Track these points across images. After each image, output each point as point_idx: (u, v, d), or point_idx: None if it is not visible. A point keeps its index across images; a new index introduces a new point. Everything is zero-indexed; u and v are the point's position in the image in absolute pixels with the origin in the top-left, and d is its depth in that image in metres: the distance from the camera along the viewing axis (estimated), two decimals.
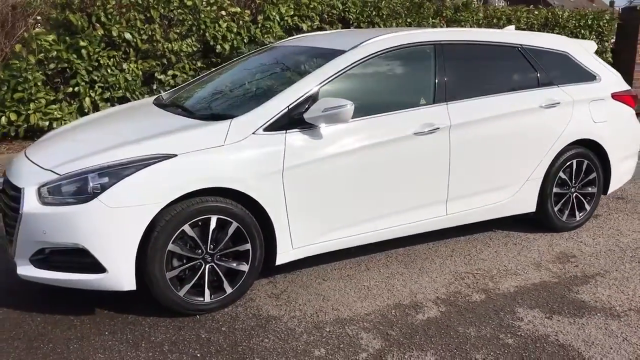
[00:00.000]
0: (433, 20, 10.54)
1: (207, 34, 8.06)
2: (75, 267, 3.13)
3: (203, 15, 8.01)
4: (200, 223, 3.22)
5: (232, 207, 3.28)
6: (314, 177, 3.51)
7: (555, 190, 4.57)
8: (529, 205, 4.50)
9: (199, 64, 8.23)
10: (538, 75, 4.50)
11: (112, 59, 7.48)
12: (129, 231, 3.05)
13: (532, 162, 4.39)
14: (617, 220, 5.07)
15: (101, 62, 7.38)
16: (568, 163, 4.57)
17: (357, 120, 3.62)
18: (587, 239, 4.59)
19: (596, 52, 5.38)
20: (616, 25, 13.33)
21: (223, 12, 8.20)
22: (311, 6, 8.96)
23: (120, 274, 3.09)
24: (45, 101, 7.24)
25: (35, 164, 3.36)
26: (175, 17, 7.86)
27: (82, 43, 7.19)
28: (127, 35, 7.47)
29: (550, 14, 12.33)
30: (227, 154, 3.28)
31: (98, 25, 7.32)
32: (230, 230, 3.30)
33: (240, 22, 8.37)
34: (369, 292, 3.63)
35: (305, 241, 3.59)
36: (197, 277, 3.26)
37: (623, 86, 4.98)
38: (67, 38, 7.24)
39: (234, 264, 3.37)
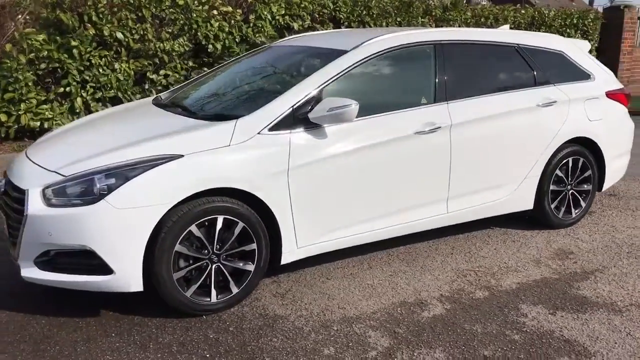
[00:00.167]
0: (422, 20, 10.62)
1: (199, 34, 8.04)
2: (82, 268, 3.11)
3: (195, 15, 7.99)
4: (206, 223, 3.22)
5: (239, 207, 3.28)
6: (319, 177, 3.52)
7: (552, 187, 4.63)
8: (526, 202, 4.56)
9: (190, 63, 8.20)
10: (535, 74, 4.55)
11: (103, 59, 7.43)
12: (136, 232, 3.04)
13: (530, 160, 4.45)
14: (611, 216, 5.15)
15: (93, 61, 7.32)
16: (564, 161, 4.64)
17: (360, 120, 3.64)
18: (583, 235, 4.66)
19: None
20: (600, 24, 13.52)
21: (215, 12, 8.19)
22: (302, 5, 8.97)
23: (128, 276, 3.08)
24: (36, 101, 7.18)
25: (39, 165, 3.34)
26: (167, 17, 7.83)
27: (73, 43, 7.14)
28: (119, 35, 7.42)
29: (536, 13, 12.48)
30: (234, 154, 3.28)
31: (89, 24, 7.26)
32: (237, 230, 3.30)
33: (232, 21, 8.36)
34: (374, 290, 3.66)
35: (310, 240, 3.60)
36: (203, 277, 3.26)
37: (616, 85, 5.06)
38: (57, 37, 7.18)
39: (240, 264, 3.37)
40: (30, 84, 7.11)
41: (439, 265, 4.04)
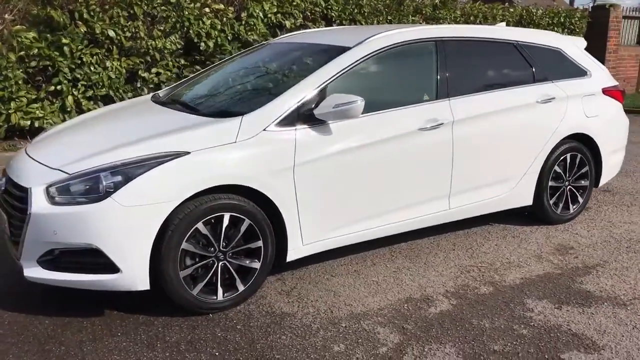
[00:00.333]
0: (412, 18, 10.63)
1: (191, 31, 7.97)
2: (87, 267, 3.07)
3: (187, 12, 7.91)
4: (213, 221, 3.19)
5: (245, 205, 3.25)
6: (324, 173, 3.51)
7: (550, 183, 4.67)
8: (526, 198, 4.59)
9: (182, 61, 8.13)
10: (533, 71, 4.58)
11: (95, 57, 7.32)
12: (143, 230, 3.00)
13: (530, 156, 4.48)
14: (607, 212, 5.20)
15: (84, 59, 7.21)
16: (562, 157, 4.67)
17: (364, 116, 3.63)
18: (581, 230, 4.69)
19: None
20: (586, 23, 13.65)
21: (207, 9, 8.12)
22: (294, 3, 8.93)
23: (135, 274, 3.04)
24: (26, 100, 7.04)
25: (41, 163, 3.28)
26: (158, 14, 7.74)
27: (64, 40, 7.02)
28: (111, 33, 7.32)
29: (524, 11, 12.55)
30: (240, 151, 3.25)
31: (80, 22, 7.16)
32: (243, 228, 3.28)
33: (224, 19, 8.29)
34: (379, 287, 3.65)
35: (315, 237, 3.59)
36: (210, 275, 3.23)
37: (612, 81, 5.11)
38: (48, 35, 7.07)
39: (247, 262, 3.34)
40: (20, 82, 6.98)
41: (441, 261, 4.05)
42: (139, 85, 7.78)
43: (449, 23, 11.11)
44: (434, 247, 4.30)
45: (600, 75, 5.00)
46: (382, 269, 3.91)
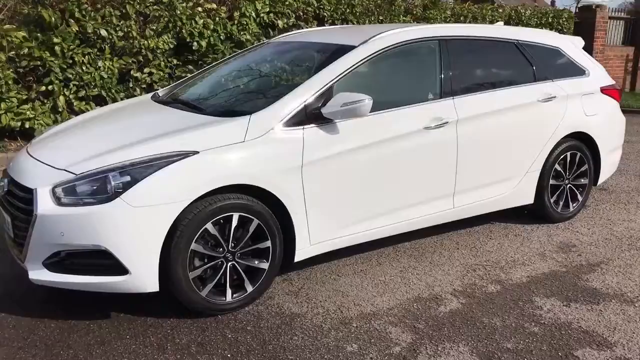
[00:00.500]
0: (403, 18, 10.65)
1: (183, 31, 7.90)
2: (95, 269, 3.01)
3: (179, 12, 7.84)
4: (221, 221, 3.15)
5: (254, 204, 3.22)
6: (331, 172, 3.49)
7: (551, 182, 4.69)
8: (528, 197, 4.60)
9: (175, 61, 8.05)
10: (534, 69, 4.60)
11: (87, 56, 7.22)
12: (153, 231, 2.95)
13: (532, 154, 4.49)
14: (605, 210, 5.24)
15: (76, 59, 7.11)
16: (563, 155, 4.70)
17: (370, 115, 3.61)
18: (582, 229, 4.72)
19: None
20: (573, 24, 13.78)
21: (199, 8, 8.05)
22: (287, 3, 8.90)
23: (144, 276, 2.99)
24: (17, 100, 6.93)
25: (45, 164, 3.22)
26: (151, 13, 7.66)
27: (55, 40, 6.92)
28: (103, 32, 7.23)
29: (513, 12, 12.64)
30: (249, 150, 3.22)
31: (72, 21, 7.06)
32: (252, 228, 3.24)
33: (217, 18, 8.23)
34: (387, 286, 3.64)
35: (322, 237, 3.57)
36: (219, 276, 3.19)
37: (609, 80, 5.15)
38: (39, 34, 6.96)
39: (255, 262, 3.31)
40: (10, 82, 6.86)
41: (446, 260, 4.05)
42: (131, 85, 7.70)
43: (439, 23, 11.15)
44: (437, 246, 4.29)
45: (598, 74, 5.04)
46: (388, 268, 3.89)
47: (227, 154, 3.16)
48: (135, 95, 7.60)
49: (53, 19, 6.93)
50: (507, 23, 12.42)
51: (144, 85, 7.78)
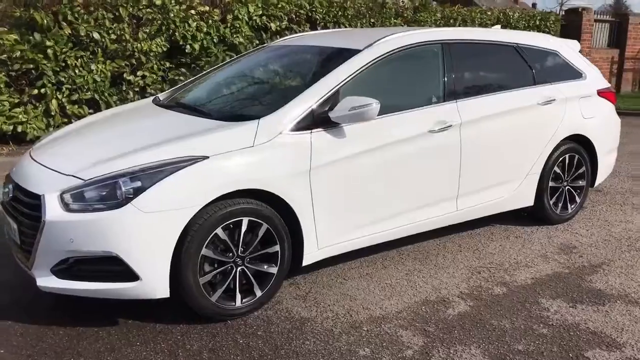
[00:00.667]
0: (394, 21, 10.71)
1: (176, 34, 7.87)
2: (104, 275, 2.98)
3: (172, 14, 7.81)
4: (231, 226, 3.14)
5: (263, 209, 3.21)
6: (338, 176, 3.49)
7: (550, 184, 4.73)
8: (528, 199, 4.65)
9: (167, 64, 8.02)
10: (533, 72, 4.64)
11: (79, 60, 7.18)
12: (164, 236, 2.93)
13: (532, 157, 4.54)
14: (602, 211, 5.30)
15: (68, 62, 7.07)
16: (561, 158, 4.75)
17: (376, 119, 3.61)
18: (581, 230, 4.77)
19: None
20: (560, 26, 13.95)
21: (192, 11, 8.02)
22: (279, 6, 8.90)
23: (154, 282, 2.97)
24: (9, 104, 6.88)
25: (52, 169, 3.18)
26: (144, 16, 7.63)
27: (48, 43, 6.87)
28: (96, 35, 7.19)
29: (501, 14, 12.77)
30: (258, 155, 3.21)
31: (65, 24, 7.00)
32: (261, 232, 3.23)
33: (210, 21, 8.21)
34: (393, 289, 3.65)
35: (329, 241, 3.57)
36: (228, 281, 3.18)
37: (605, 83, 5.21)
38: (30, 37, 6.89)
39: (265, 267, 3.30)
40: (2, 86, 6.81)
41: (450, 262, 4.07)
42: (124, 88, 7.66)
43: (429, 26, 11.22)
44: (440, 248, 4.31)
45: (594, 76, 5.10)
46: (393, 271, 3.90)
47: (237, 159, 3.14)
48: (129, 98, 7.56)
49: (45, 21, 6.89)
50: (495, 25, 12.55)
51: (136, 89, 7.75)
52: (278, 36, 8.94)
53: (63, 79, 7.11)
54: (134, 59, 7.63)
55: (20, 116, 6.94)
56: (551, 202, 4.78)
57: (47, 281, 3.01)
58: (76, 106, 7.29)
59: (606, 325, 3.23)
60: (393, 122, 3.75)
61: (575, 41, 5.37)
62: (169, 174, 2.96)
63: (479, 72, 4.41)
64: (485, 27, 12.23)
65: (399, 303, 3.47)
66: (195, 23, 8.03)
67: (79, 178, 3.01)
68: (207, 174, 3.05)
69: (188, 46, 7.99)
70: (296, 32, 8.93)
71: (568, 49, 5.04)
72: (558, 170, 4.76)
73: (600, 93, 5.06)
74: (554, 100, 4.61)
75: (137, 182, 2.93)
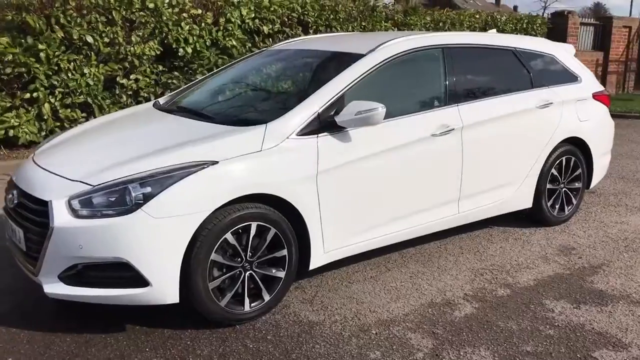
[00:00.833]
0: (385, 24, 10.76)
1: (169, 37, 7.84)
2: (113, 282, 2.97)
3: (165, 18, 7.78)
4: (240, 230, 3.14)
5: (271, 213, 3.22)
6: (344, 180, 3.51)
7: (548, 186, 4.79)
8: (527, 201, 4.70)
9: (160, 67, 7.98)
10: (531, 76, 4.70)
11: (72, 63, 7.12)
12: (174, 242, 2.93)
13: (531, 159, 4.59)
14: (596, 213, 5.37)
15: (61, 66, 7.00)
16: (558, 160, 4.81)
17: (381, 123, 3.63)
18: (578, 231, 4.84)
19: None
20: (546, 29, 14.11)
21: (185, 15, 8.00)
22: (271, 9, 8.90)
23: (164, 287, 2.96)
24: (0, 108, 6.80)
25: (58, 175, 3.16)
26: (137, 20, 7.58)
27: (40, 46, 6.80)
28: (89, 38, 7.13)
29: (489, 17, 12.88)
30: (266, 160, 3.21)
31: (57, 27, 6.94)
32: (269, 237, 3.24)
33: (202, 24, 8.19)
34: (399, 292, 3.67)
35: (335, 245, 3.58)
36: (237, 285, 3.18)
37: (599, 86, 5.29)
38: (22, 41, 6.82)
39: (273, 271, 3.30)
40: None
41: (453, 265, 4.10)
42: (117, 92, 7.61)
43: (419, 29, 11.29)
44: (442, 251, 4.35)
45: (589, 80, 5.18)
46: (397, 274, 3.93)
47: (245, 164, 3.15)
48: (122, 102, 7.52)
49: (38, 24, 6.82)
50: (483, 28, 12.66)
51: (130, 92, 7.70)
52: (270, 39, 8.95)
53: (56, 83, 7.05)
54: (127, 62, 7.58)
55: (12, 120, 6.86)
56: (549, 204, 4.84)
57: (55, 288, 2.99)
58: (69, 110, 7.22)
59: (611, 325, 3.28)
60: (397, 126, 3.77)
61: (571, 45, 5.45)
62: (178, 179, 2.95)
63: (479, 76, 4.46)
64: (474, 30, 12.34)
65: (406, 306, 3.49)
66: (187, 26, 8.00)
67: (87, 184, 2.99)
68: (217, 179, 3.05)
69: (181, 49, 7.95)
70: (288, 35, 8.98)
71: (564, 53, 5.11)
72: (555, 173, 4.82)
73: (596, 96, 5.14)
74: (552, 103, 4.68)
75: (147, 187, 2.92)
